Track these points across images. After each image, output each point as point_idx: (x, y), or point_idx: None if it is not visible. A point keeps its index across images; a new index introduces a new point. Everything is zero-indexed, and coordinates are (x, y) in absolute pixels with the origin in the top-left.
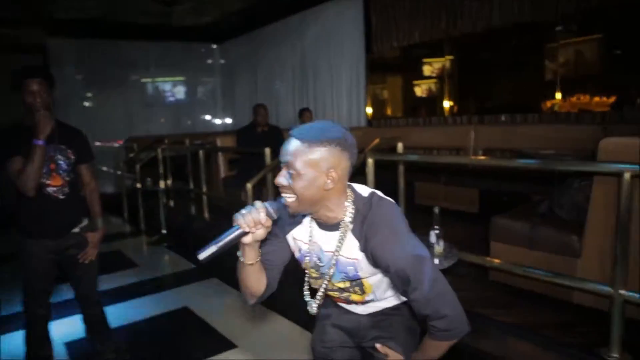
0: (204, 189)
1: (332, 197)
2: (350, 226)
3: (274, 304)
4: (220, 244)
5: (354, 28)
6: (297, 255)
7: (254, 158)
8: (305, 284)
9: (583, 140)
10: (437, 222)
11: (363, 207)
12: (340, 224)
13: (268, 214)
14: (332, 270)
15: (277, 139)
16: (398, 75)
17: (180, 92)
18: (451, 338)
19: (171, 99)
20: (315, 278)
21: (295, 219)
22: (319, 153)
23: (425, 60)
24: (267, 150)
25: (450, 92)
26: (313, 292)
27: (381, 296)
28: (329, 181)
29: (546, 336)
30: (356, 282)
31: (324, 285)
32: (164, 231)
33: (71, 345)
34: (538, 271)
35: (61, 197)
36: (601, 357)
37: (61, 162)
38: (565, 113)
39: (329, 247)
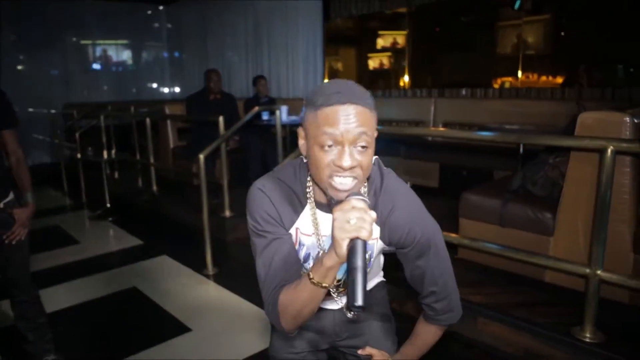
0: (152, 160)
1: None
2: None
3: (231, 283)
4: (361, 273)
5: None
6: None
7: (206, 127)
8: None
9: (547, 115)
10: None
11: (374, 174)
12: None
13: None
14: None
15: (230, 107)
16: (356, 47)
17: (124, 56)
18: (451, 321)
19: (114, 63)
20: None
21: (295, 208)
22: (376, 117)
23: (383, 32)
24: (221, 119)
25: (409, 65)
26: None
27: (370, 280)
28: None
29: (518, 317)
30: None
31: None
32: (108, 205)
33: None
34: (514, 250)
35: None
36: (574, 337)
37: None
38: (526, 89)
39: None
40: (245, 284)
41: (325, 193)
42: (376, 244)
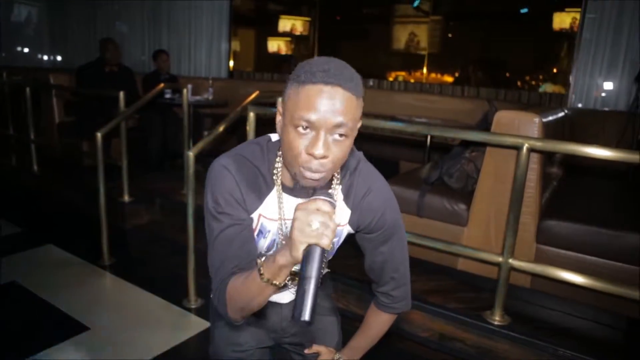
0: (32, 136)
1: None
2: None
3: (131, 275)
4: (314, 284)
5: None
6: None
7: (98, 102)
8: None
9: (451, 111)
10: None
11: (349, 156)
12: (332, 183)
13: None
14: None
15: (128, 82)
16: (262, 29)
17: None
18: (406, 308)
19: None
20: None
21: (260, 190)
22: (362, 105)
23: (285, 17)
24: (122, 94)
25: (311, 52)
26: None
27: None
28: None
29: (433, 303)
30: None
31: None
32: None
33: None
34: (433, 240)
35: None
36: (486, 320)
37: None
38: (429, 84)
39: None
40: (147, 275)
41: (293, 177)
42: (344, 230)
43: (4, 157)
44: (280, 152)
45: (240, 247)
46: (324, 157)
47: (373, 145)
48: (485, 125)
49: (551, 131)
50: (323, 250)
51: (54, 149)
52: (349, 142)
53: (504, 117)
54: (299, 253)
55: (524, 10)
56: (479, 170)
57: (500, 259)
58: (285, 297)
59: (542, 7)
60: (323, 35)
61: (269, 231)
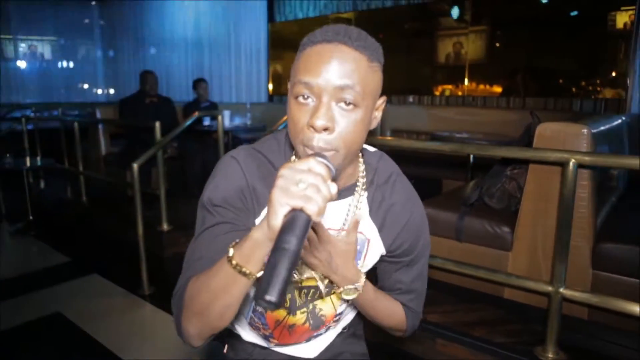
0: (81, 168)
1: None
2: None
3: (169, 304)
4: (289, 259)
5: None
6: None
7: (141, 133)
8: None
9: (495, 123)
10: None
11: (372, 157)
12: (356, 186)
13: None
14: None
15: (168, 112)
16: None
17: (51, 54)
18: (417, 319)
19: (41, 62)
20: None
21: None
22: (379, 73)
23: None
24: (157, 125)
25: None
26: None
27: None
28: (377, 115)
29: (478, 337)
30: None
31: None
32: (31, 217)
33: None
34: (474, 268)
35: None
36: (537, 357)
37: None
38: (472, 97)
39: (330, 222)
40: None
41: None
42: (371, 245)
43: (59, 190)
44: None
45: (225, 248)
46: (326, 128)
47: (413, 165)
48: (527, 139)
49: (605, 142)
50: (309, 221)
51: (101, 181)
52: (361, 115)
53: (547, 130)
54: (278, 219)
55: (574, 13)
56: (522, 189)
57: (550, 288)
58: (316, 346)
59: (594, 7)
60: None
61: None
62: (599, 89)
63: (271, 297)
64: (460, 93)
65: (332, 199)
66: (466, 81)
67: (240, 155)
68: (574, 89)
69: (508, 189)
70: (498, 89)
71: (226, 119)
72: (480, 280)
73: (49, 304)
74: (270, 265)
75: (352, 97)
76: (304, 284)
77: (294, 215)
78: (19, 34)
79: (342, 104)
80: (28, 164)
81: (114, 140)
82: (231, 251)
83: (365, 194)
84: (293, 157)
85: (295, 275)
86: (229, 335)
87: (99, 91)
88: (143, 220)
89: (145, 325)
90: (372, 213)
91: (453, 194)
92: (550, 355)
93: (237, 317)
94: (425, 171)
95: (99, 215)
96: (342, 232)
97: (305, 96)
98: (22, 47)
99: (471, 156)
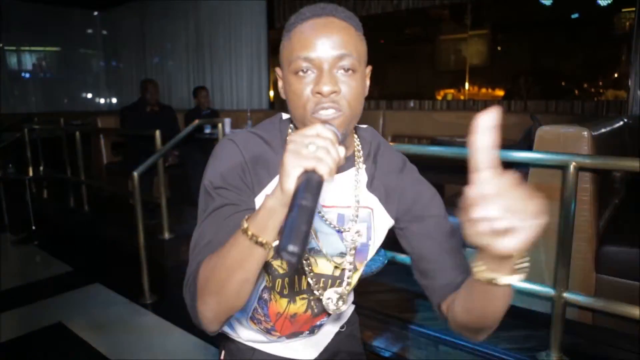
0: (83, 177)
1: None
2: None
3: (171, 313)
4: (308, 213)
5: (254, 4)
6: None
7: (142, 141)
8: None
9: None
10: None
11: (364, 131)
12: (354, 157)
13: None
14: (337, 240)
15: (169, 120)
16: None
17: (54, 64)
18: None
19: (43, 71)
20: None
21: (269, 166)
22: (364, 42)
23: None
24: (158, 133)
25: None
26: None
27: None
28: (367, 83)
29: (481, 343)
30: (353, 258)
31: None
32: (34, 227)
33: None
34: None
35: None
36: None
37: None
38: (472, 101)
39: (335, 199)
40: (186, 313)
41: None
42: (373, 217)
43: (61, 199)
44: (292, 126)
45: (233, 229)
46: (333, 92)
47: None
48: (528, 142)
49: (606, 145)
50: (321, 182)
51: (103, 189)
52: (359, 78)
53: (547, 133)
54: (292, 182)
55: (574, 15)
56: None
57: (553, 293)
58: (309, 350)
59: (594, 9)
60: (368, 58)
61: None
62: (600, 91)
63: (294, 247)
64: (461, 97)
65: (340, 163)
66: (467, 85)
67: (237, 137)
68: (575, 92)
69: None
70: (499, 93)
71: (227, 127)
72: None
73: (50, 314)
74: (289, 220)
75: (350, 64)
76: (315, 270)
77: (307, 177)
78: (22, 44)
79: (342, 71)
80: (31, 173)
81: (115, 149)
82: (245, 224)
83: (364, 166)
84: (290, 131)
85: (305, 266)
86: (226, 339)
87: (101, 100)
88: (144, 229)
89: (147, 335)
90: (370, 184)
91: (455, 199)
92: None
93: (238, 315)
94: (428, 176)
95: (101, 224)
96: (349, 209)
97: (305, 69)
98: (25, 56)
99: None
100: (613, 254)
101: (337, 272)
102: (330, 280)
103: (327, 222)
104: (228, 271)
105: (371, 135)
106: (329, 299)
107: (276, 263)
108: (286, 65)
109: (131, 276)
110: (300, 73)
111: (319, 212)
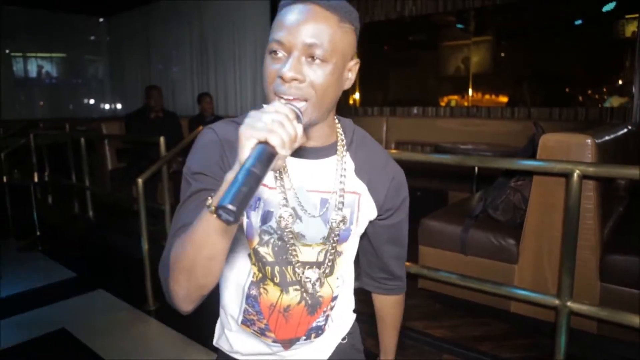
0: (87, 183)
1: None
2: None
3: (174, 320)
4: (252, 178)
5: (258, 10)
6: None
7: (147, 148)
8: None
9: (499, 134)
10: None
11: (346, 123)
12: (336, 145)
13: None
14: (320, 224)
15: (173, 126)
16: None
17: (59, 70)
18: (404, 285)
19: (48, 77)
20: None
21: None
22: (350, 34)
23: None
24: (162, 139)
25: (359, 82)
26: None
27: (344, 278)
28: (350, 76)
29: (484, 352)
30: (336, 243)
31: (292, 258)
32: (38, 233)
33: None
34: (479, 282)
35: None
36: None
37: None
38: (476, 108)
39: (318, 184)
40: (192, 321)
41: None
42: (360, 202)
43: (66, 205)
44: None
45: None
46: (294, 79)
47: (419, 177)
48: (531, 150)
49: (610, 152)
50: (272, 154)
51: (108, 195)
52: (330, 69)
53: (550, 141)
54: (245, 153)
55: (578, 22)
56: (527, 201)
57: (557, 302)
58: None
59: (598, 16)
60: (370, 65)
61: (261, 199)
62: (605, 97)
63: (232, 206)
64: (465, 104)
65: (297, 140)
66: (470, 92)
67: (216, 125)
68: (579, 98)
69: (513, 200)
70: (503, 99)
71: None
72: (486, 294)
73: (53, 320)
74: (233, 181)
75: (321, 54)
76: (300, 259)
77: (259, 147)
78: (27, 51)
79: (311, 59)
80: (36, 179)
81: (120, 155)
82: (209, 200)
83: (348, 153)
84: None
85: (291, 256)
86: (225, 357)
87: (106, 106)
88: (148, 235)
89: (151, 341)
90: (358, 170)
91: (458, 206)
92: None
93: (228, 321)
94: (432, 183)
95: (105, 230)
96: (333, 195)
97: (277, 51)
98: (31, 63)
99: (476, 168)
100: (618, 262)
101: (321, 258)
102: (315, 267)
103: (310, 205)
104: (194, 248)
105: (352, 125)
106: (307, 278)
107: (263, 250)
108: (267, 44)
109: (135, 282)
110: (273, 54)
111: (298, 198)
